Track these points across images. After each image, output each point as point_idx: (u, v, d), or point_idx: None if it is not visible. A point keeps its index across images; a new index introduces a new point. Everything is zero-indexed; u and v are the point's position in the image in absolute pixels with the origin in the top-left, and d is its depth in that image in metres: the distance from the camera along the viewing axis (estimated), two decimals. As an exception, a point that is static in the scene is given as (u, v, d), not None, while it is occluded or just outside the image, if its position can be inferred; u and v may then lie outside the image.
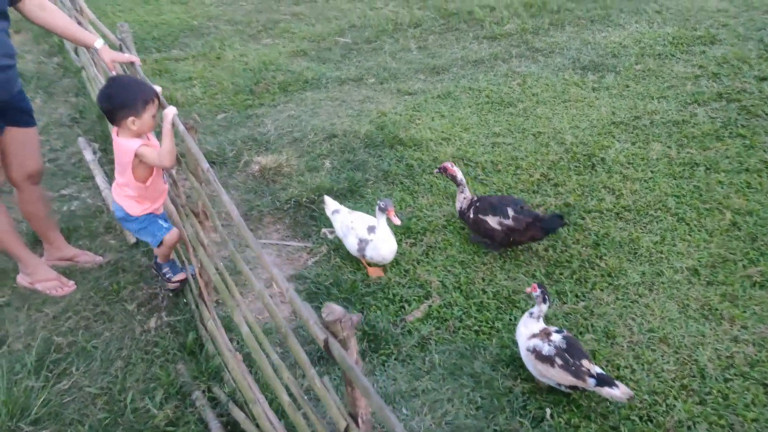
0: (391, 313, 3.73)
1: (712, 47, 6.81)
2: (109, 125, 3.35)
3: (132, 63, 3.71)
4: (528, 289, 3.28)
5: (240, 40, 8.44)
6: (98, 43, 3.52)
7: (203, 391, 3.01)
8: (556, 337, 3.08)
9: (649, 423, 3.03)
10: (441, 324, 3.65)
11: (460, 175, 4.24)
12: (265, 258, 2.10)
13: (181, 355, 3.26)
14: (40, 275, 3.70)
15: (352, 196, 4.78)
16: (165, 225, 3.44)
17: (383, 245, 3.91)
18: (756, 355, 3.33)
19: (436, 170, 4.42)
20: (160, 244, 3.44)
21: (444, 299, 3.81)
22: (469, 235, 4.31)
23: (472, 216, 4.15)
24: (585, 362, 2.99)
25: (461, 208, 4.24)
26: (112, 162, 5.36)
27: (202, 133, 5.86)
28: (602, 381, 2.94)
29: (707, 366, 3.29)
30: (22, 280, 3.75)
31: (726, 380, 3.22)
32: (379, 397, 1.47)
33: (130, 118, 3.07)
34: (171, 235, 3.44)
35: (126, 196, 3.31)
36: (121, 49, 4.00)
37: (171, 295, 3.71)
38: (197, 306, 3.46)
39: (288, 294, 1.86)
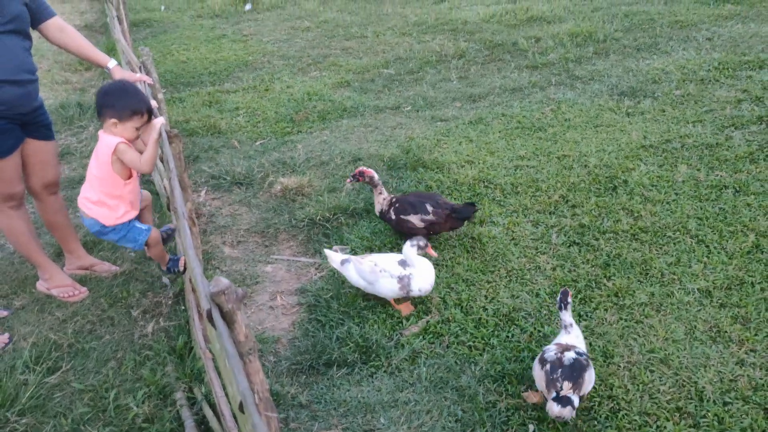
0: (388, 327, 3.73)
1: (760, 72, 6.56)
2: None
3: (144, 83, 3.96)
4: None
5: (289, 73, 8.76)
6: (111, 63, 3.77)
7: (184, 391, 3.10)
8: (568, 354, 2.99)
9: (635, 444, 2.90)
10: (436, 339, 3.62)
11: (376, 177, 4.40)
12: (187, 230, 2.17)
13: (171, 357, 3.37)
14: (57, 281, 3.92)
15: (368, 215, 4.84)
16: (144, 228, 3.56)
17: (428, 272, 3.71)
18: (762, 379, 3.14)
19: (349, 179, 4.50)
20: (146, 246, 3.57)
21: (443, 315, 3.78)
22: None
23: (394, 217, 4.29)
24: (566, 384, 2.89)
25: (381, 210, 4.38)
26: (150, 181, 5.66)
27: (238, 157, 6.09)
28: (558, 398, 2.86)
29: (706, 389, 3.11)
30: (40, 286, 3.99)
31: (725, 404, 3.04)
32: (237, 359, 1.50)
33: (113, 120, 3.26)
34: (153, 236, 3.57)
35: (96, 203, 3.40)
36: (141, 71, 4.26)
37: (172, 302, 3.86)
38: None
39: (191, 268, 1.91)
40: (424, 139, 6.03)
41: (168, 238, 3.81)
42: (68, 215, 4.07)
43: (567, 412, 2.85)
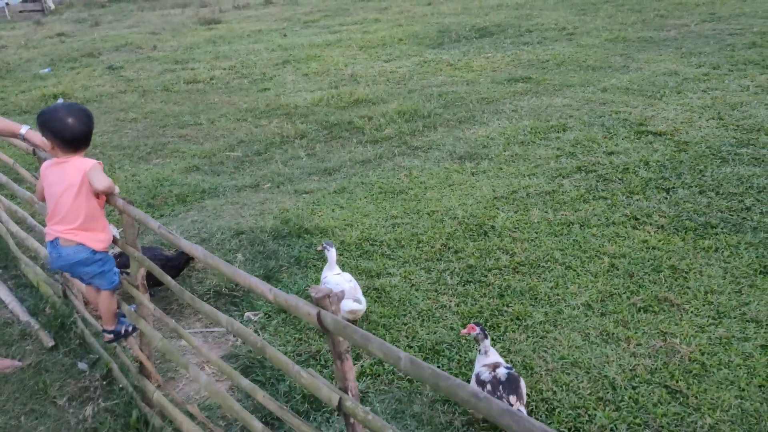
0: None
1: (565, 133, 7.82)
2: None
3: None
4: (464, 331, 3.60)
5: (130, 162, 8.57)
6: (23, 129, 3.63)
7: (157, 461, 3.00)
8: (501, 371, 3.37)
9: (577, 432, 3.35)
10: (375, 379, 3.86)
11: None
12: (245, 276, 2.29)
13: (126, 434, 3.23)
14: (-41, 381, 3.55)
15: (270, 281, 4.96)
16: (117, 269, 3.35)
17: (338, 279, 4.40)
18: (653, 364, 3.80)
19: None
20: (113, 289, 3.34)
21: (374, 358, 4.03)
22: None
23: None
24: (512, 398, 3.28)
25: None
26: (13, 277, 5.27)
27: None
28: None
29: (616, 379, 3.70)
30: (-62, 389, 3.58)
31: (634, 387, 3.64)
32: (380, 339, 1.71)
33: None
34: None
35: (80, 228, 3.10)
36: (34, 154, 4.12)
37: (103, 383, 3.67)
38: (135, 387, 3.46)
39: (272, 293, 2.06)
40: (298, 209, 6.31)
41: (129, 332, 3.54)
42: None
43: None
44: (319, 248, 4.63)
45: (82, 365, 3.90)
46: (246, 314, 4.57)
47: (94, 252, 3.16)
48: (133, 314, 3.31)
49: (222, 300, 4.76)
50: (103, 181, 3.06)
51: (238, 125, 9.88)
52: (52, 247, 3.16)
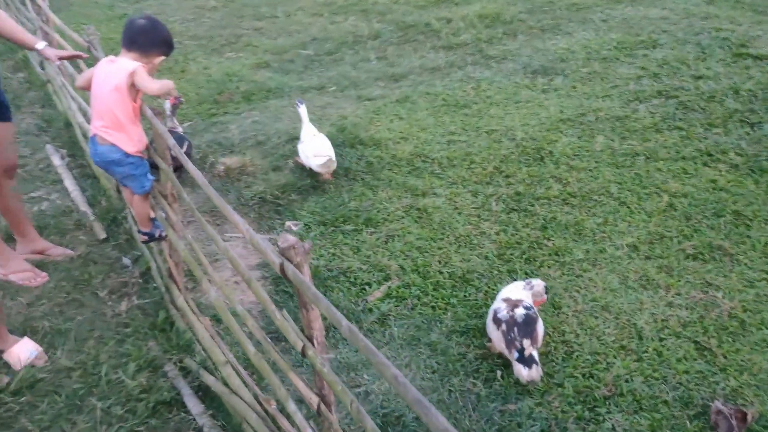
0: (353, 294, 3.95)
1: (654, 50, 7.22)
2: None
3: (78, 57, 3.96)
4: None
5: (203, 54, 8.65)
6: (40, 44, 3.71)
7: (175, 363, 3.19)
8: (519, 311, 3.30)
9: (590, 379, 3.29)
10: (399, 302, 3.88)
11: None
12: (232, 213, 2.31)
13: (152, 333, 3.44)
14: (14, 267, 3.81)
15: (315, 191, 5.01)
16: (150, 176, 3.45)
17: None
18: (688, 317, 3.63)
19: None
20: (146, 194, 3.49)
21: (402, 280, 4.05)
22: None
23: None
24: (525, 342, 3.21)
25: None
26: (79, 166, 5.54)
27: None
28: (522, 359, 3.17)
29: (644, 328, 3.57)
30: (-5, 272, 3.89)
31: (661, 339, 3.50)
32: (329, 302, 1.69)
33: (161, 58, 3.32)
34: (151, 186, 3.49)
35: (114, 128, 3.20)
36: (89, 51, 4.20)
37: (141, 281, 3.89)
38: (167, 289, 3.64)
39: (248, 232, 2.07)
40: (357, 117, 6.23)
41: None
42: (22, 197, 3.97)
43: (536, 374, 3.18)
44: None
45: (126, 260, 4.12)
46: (287, 223, 4.65)
47: (127, 155, 3.27)
48: (164, 221, 3.42)
49: (266, 207, 4.85)
50: (152, 86, 3.13)
51: (313, 20, 9.70)
52: (92, 143, 3.31)
